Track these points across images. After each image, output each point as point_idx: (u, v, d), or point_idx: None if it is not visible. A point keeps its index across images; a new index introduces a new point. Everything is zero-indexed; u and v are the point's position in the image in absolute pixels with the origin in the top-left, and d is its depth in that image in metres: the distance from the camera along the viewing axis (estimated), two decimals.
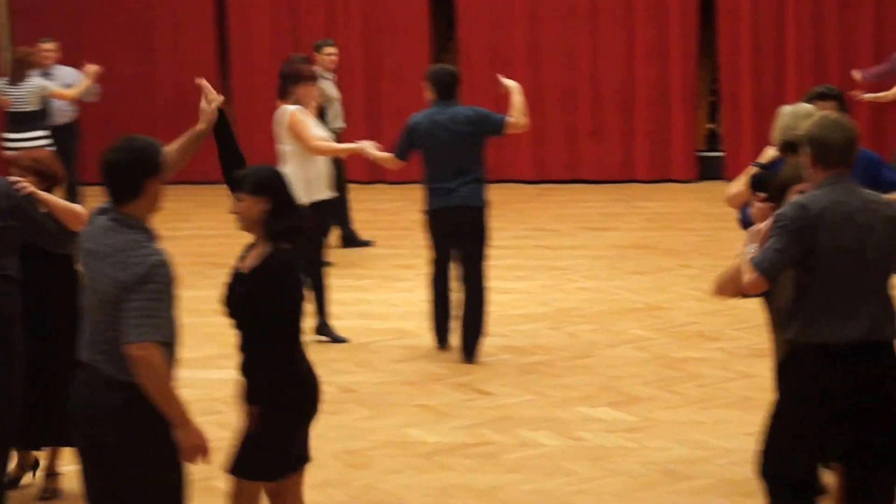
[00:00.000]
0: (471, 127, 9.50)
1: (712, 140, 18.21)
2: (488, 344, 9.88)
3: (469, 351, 9.50)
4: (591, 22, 17.64)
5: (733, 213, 6.99)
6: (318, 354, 9.63)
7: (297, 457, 5.65)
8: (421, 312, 10.28)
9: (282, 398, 5.48)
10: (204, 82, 6.04)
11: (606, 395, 8.56)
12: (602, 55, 17.66)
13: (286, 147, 9.93)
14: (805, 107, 6.71)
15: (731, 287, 5.48)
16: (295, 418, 5.57)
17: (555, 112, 17.79)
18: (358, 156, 10.81)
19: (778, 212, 5.35)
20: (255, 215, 5.49)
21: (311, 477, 7.27)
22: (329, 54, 13.77)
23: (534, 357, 9.55)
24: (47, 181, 6.78)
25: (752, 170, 6.72)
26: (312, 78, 10.15)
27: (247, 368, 5.53)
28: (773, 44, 17.17)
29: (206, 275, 11.48)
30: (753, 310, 7.18)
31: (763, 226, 5.48)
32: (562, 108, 17.77)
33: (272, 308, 5.45)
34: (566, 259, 12.85)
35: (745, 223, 6.84)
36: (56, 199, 6.63)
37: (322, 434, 7.97)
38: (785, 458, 5.37)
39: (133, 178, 4.98)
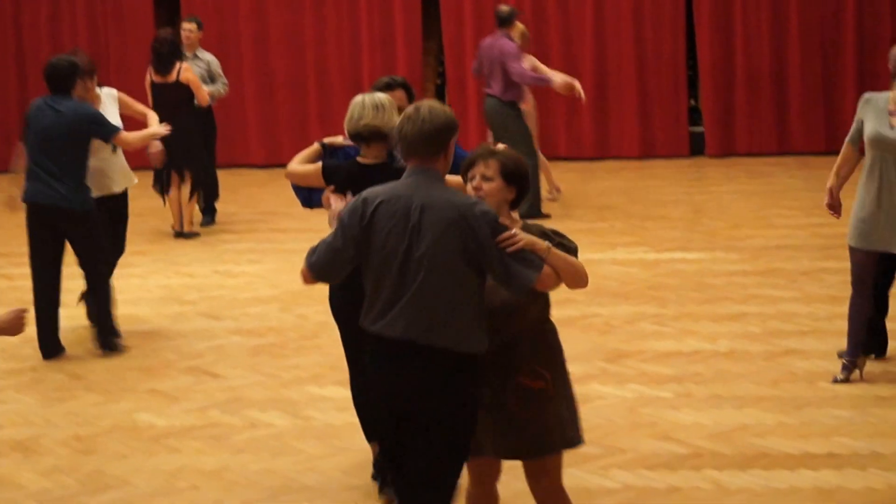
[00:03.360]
0: (84, 125, 9.15)
1: None
2: (219, 327, 9.96)
3: (103, 346, 9.45)
4: (316, 10, 17.82)
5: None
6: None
7: None
8: (152, 299, 10.29)
9: None
10: None
11: (335, 374, 8.67)
12: (328, 43, 17.86)
13: None
14: (378, 96, 6.60)
15: None
16: None
17: (284, 99, 17.95)
18: None
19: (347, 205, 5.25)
20: None
21: (40, 464, 7.31)
22: (183, 29, 13.75)
23: (264, 339, 9.64)
24: None
25: (317, 147, 6.74)
26: (88, 72, 9.86)
27: None
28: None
29: None
30: None
31: (335, 209, 5.53)
32: (291, 95, 17.93)
33: None
34: (297, 242, 12.91)
35: (306, 202, 6.91)
36: None
37: (50, 421, 7.99)
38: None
39: None
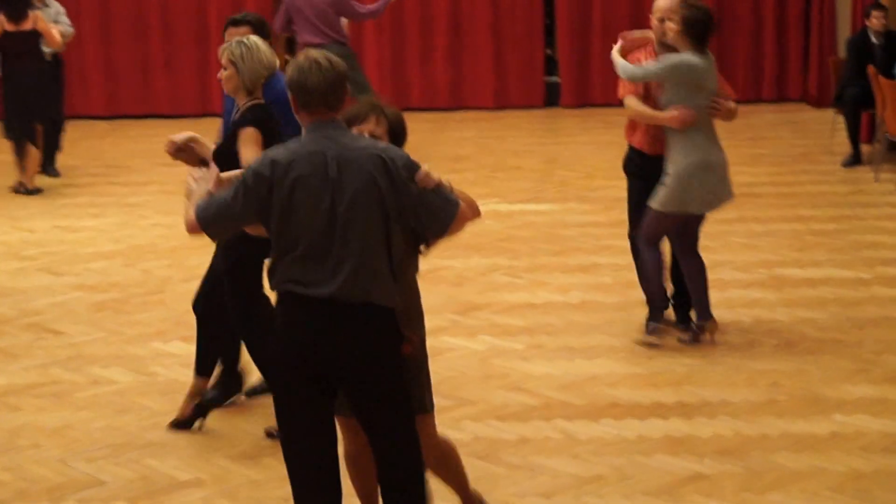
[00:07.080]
0: None
1: None
2: (60, 283, 9.69)
3: None
4: None
5: None
6: None
7: None
8: None
9: None
10: None
11: (179, 329, 8.50)
12: None
13: None
14: (254, 38, 6.54)
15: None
16: None
17: (126, 44, 17.48)
18: None
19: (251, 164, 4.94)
20: None
21: None
22: None
23: (107, 294, 9.40)
24: None
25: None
26: None
27: None
28: None
29: None
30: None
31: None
32: (133, 40, 17.47)
33: None
34: (140, 195, 12.69)
35: None
36: None
37: None
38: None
39: None
